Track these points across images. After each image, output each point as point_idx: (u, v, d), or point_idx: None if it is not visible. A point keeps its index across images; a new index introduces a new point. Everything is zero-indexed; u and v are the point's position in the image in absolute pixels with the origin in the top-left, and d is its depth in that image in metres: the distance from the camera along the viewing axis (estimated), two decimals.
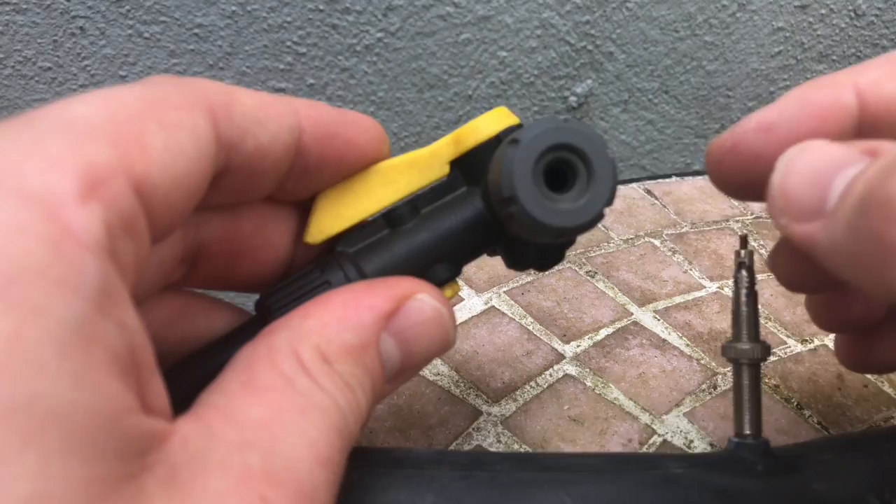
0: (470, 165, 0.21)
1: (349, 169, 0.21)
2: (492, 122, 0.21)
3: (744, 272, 0.23)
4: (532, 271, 0.37)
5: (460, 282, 0.36)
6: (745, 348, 0.22)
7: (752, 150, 0.19)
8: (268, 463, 0.14)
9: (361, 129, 0.20)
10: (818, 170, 0.16)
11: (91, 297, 0.12)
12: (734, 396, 0.23)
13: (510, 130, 0.21)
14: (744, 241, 0.23)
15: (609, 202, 0.19)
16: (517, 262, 0.22)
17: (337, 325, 0.17)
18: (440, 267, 0.21)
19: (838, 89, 0.18)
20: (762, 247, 0.41)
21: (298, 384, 0.16)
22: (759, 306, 0.37)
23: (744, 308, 0.23)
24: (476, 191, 0.21)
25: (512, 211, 0.18)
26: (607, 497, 0.19)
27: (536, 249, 0.22)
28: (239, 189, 0.18)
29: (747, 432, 0.22)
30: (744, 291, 0.23)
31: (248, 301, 0.23)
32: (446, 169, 0.21)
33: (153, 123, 0.15)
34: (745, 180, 0.20)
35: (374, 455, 0.19)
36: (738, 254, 0.23)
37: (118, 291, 0.13)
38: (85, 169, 0.13)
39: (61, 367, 0.12)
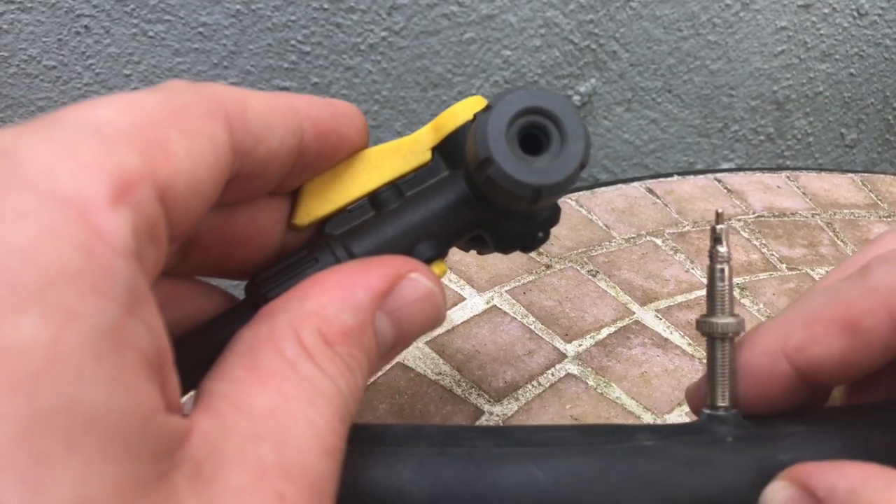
0: (450, 151, 0.22)
1: (338, 160, 0.21)
2: (468, 107, 0.22)
3: (719, 247, 0.23)
4: (533, 270, 0.37)
5: (461, 281, 0.37)
6: (720, 323, 0.23)
7: None
8: (279, 456, 0.15)
9: (350, 121, 0.21)
10: None
11: (122, 300, 0.13)
12: (707, 369, 0.23)
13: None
14: (719, 216, 0.23)
15: (583, 163, 0.19)
16: (502, 242, 0.23)
17: (335, 306, 0.18)
18: (424, 245, 0.21)
19: (770, 358, 0.21)
20: (763, 245, 0.41)
21: (302, 369, 0.16)
22: (757, 302, 0.37)
23: (718, 283, 0.23)
24: (457, 174, 0.22)
25: (489, 173, 0.19)
26: (577, 469, 0.20)
27: (520, 225, 0.22)
28: (245, 191, 0.19)
29: (720, 404, 0.22)
30: (718, 266, 0.23)
31: (235, 289, 0.23)
32: (428, 155, 0.22)
33: (175, 131, 0.15)
34: None
35: (352, 432, 0.19)
36: (713, 229, 0.23)
37: (145, 294, 0.14)
38: (115, 174, 0.13)
39: (97, 372, 0.12)
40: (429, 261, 0.21)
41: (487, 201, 0.21)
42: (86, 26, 0.58)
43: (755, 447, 0.21)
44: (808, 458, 0.20)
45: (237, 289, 0.22)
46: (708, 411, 0.22)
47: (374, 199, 0.22)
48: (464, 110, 0.22)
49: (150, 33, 0.60)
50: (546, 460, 0.20)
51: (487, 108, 0.19)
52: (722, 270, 0.23)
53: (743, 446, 0.21)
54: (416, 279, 0.19)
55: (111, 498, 0.12)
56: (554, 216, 0.23)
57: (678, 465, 0.20)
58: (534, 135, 0.20)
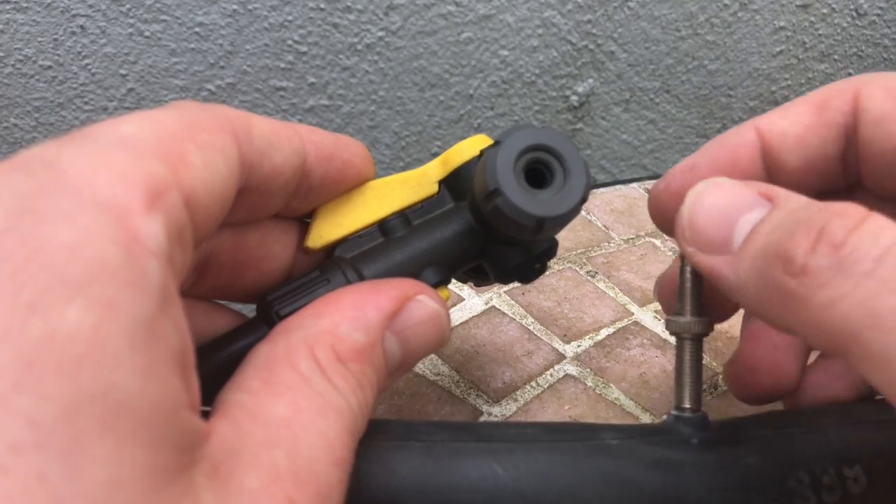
0: (456, 184, 0.23)
1: (345, 187, 0.22)
2: (474, 144, 0.23)
3: None
4: None
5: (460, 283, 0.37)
6: (688, 323, 0.22)
7: (681, 188, 0.22)
8: (292, 463, 0.16)
9: (354, 151, 0.22)
10: (723, 209, 0.19)
11: (156, 297, 0.14)
12: (676, 370, 0.23)
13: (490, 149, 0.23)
14: None
15: (584, 198, 0.21)
16: (502, 272, 0.24)
17: (348, 325, 0.18)
18: (429, 271, 0.22)
19: (742, 131, 0.22)
20: None
21: (315, 384, 0.17)
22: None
23: (688, 283, 0.23)
24: (463, 205, 0.23)
25: (497, 203, 0.20)
26: (539, 466, 0.20)
27: (520, 256, 0.23)
28: (253, 207, 0.20)
29: (686, 406, 0.22)
30: (689, 267, 0.23)
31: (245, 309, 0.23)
32: (435, 188, 0.24)
33: (191, 144, 0.16)
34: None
35: None
36: None
37: (174, 295, 0.14)
38: (147, 183, 0.14)
39: (133, 360, 0.13)
40: (433, 286, 0.22)
41: (491, 232, 0.23)
42: (81, 26, 0.58)
43: (721, 449, 0.21)
44: (775, 461, 0.20)
45: (246, 310, 0.23)
46: (674, 412, 0.22)
47: (383, 226, 0.23)
48: (470, 147, 0.23)
49: (147, 33, 0.59)
50: (507, 456, 0.20)
51: (496, 144, 0.21)
52: (692, 271, 0.23)
53: (708, 448, 0.21)
54: (423, 301, 0.20)
55: (138, 481, 0.12)
56: (551, 249, 0.24)
57: (642, 465, 0.20)
58: (538, 170, 0.21)
